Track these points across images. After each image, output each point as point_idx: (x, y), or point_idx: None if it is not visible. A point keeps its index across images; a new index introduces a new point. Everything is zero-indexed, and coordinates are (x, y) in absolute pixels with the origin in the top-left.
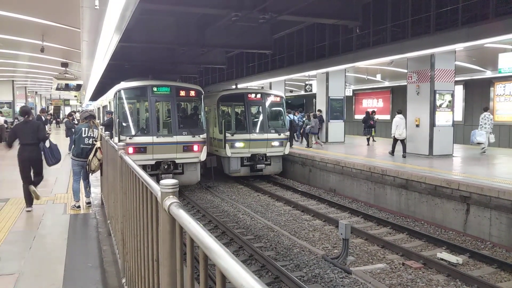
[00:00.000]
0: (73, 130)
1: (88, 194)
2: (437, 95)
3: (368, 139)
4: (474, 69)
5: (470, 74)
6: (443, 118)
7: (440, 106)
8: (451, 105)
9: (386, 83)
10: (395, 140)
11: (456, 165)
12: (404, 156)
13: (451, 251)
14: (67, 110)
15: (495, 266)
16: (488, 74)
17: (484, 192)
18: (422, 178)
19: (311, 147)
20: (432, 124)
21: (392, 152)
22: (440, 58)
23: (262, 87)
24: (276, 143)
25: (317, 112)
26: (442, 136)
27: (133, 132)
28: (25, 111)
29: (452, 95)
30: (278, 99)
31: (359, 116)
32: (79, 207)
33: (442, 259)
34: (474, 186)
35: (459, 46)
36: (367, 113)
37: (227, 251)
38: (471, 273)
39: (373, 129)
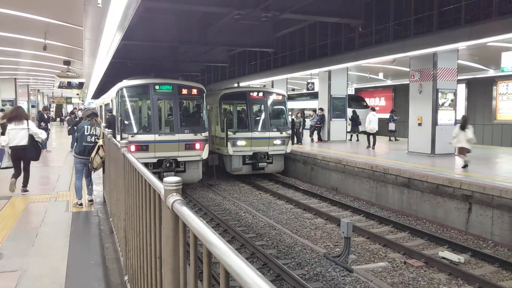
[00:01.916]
0: (75, 128)
1: (90, 191)
2: (439, 94)
3: (357, 136)
4: (476, 68)
5: (473, 73)
6: (446, 117)
7: (443, 105)
8: (453, 104)
9: (389, 82)
10: (368, 134)
11: (458, 164)
12: (373, 149)
13: (453, 250)
14: (69, 108)
15: (497, 265)
16: (491, 73)
17: (486, 191)
18: (424, 176)
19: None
20: (435, 123)
21: (369, 146)
22: (443, 57)
23: (264, 86)
24: (278, 142)
25: (318, 111)
26: (445, 135)
27: (135, 130)
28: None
29: (455, 94)
30: (280, 97)
31: None
32: (81, 204)
33: (444, 258)
34: (476, 185)
35: (461, 45)
36: (354, 111)
37: (231, 248)
38: (473, 272)
39: (359, 127)
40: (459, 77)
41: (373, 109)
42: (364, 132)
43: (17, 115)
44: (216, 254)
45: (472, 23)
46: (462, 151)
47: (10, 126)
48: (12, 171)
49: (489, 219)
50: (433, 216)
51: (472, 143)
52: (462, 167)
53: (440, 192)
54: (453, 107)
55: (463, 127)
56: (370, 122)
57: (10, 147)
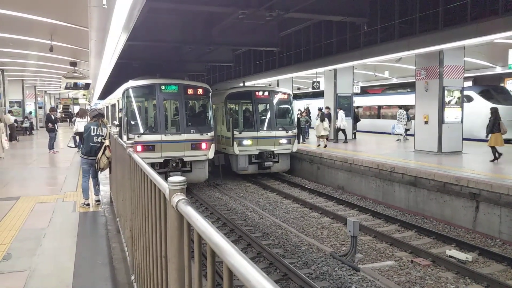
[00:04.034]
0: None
1: (97, 192)
2: (446, 92)
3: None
4: (484, 65)
5: (480, 70)
6: (452, 114)
7: (449, 102)
8: (460, 102)
9: (395, 80)
10: (342, 131)
11: (465, 162)
12: (345, 142)
13: (460, 249)
14: (76, 109)
15: (505, 264)
16: (498, 70)
17: (493, 189)
18: (430, 175)
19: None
20: (441, 120)
21: (345, 140)
22: (449, 54)
23: (270, 85)
24: (284, 141)
25: (325, 109)
26: (451, 133)
27: (141, 130)
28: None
29: (461, 92)
30: (285, 96)
31: None
32: (88, 205)
33: (451, 257)
34: (483, 183)
35: (468, 42)
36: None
37: (235, 247)
38: (480, 271)
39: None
40: (466, 75)
41: (340, 108)
42: (338, 129)
43: (83, 113)
44: (220, 253)
45: (478, 20)
46: (322, 137)
47: (78, 119)
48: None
49: (497, 217)
50: (440, 215)
51: (328, 131)
52: (317, 145)
53: (447, 190)
54: (459, 104)
55: (322, 120)
56: (342, 119)
57: (78, 133)
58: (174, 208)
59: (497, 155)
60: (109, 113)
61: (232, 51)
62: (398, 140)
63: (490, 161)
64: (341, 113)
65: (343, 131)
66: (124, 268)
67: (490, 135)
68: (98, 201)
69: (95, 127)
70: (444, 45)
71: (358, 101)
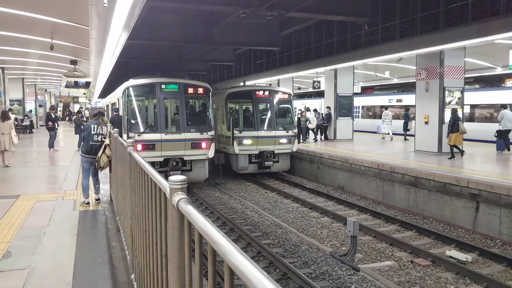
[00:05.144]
0: (82, 127)
1: (97, 190)
2: (446, 92)
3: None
4: (484, 65)
5: (481, 71)
6: None
7: (450, 103)
8: (460, 102)
9: (395, 80)
10: (311, 129)
11: (466, 163)
12: (322, 140)
13: (460, 249)
14: (76, 107)
15: (505, 264)
16: (499, 70)
17: (494, 190)
18: (431, 175)
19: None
20: (441, 121)
21: (316, 139)
22: (450, 55)
23: (270, 84)
24: (284, 140)
25: (325, 109)
26: None
27: (141, 129)
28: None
29: (462, 92)
30: (286, 96)
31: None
32: (88, 203)
33: (451, 257)
34: (483, 184)
35: (469, 43)
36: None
37: (236, 246)
38: (480, 271)
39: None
40: (467, 75)
41: (308, 109)
42: (312, 129)
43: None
44: (221, 253)
45: (479, 20)
46: None
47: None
48: None
49: (497, 218)
50: (440, 215)
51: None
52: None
53: (447, 190)
54: (460, 105)
55: None
56: (312, 121)
57: None
58: (174, 207)
59: (454, 153)
60: (109, 112)
61: (233, 50)
62: (382, 138)
63: (449, 158)
64: (309, 114)
65: (312, 130)
66: (124, 267)
67: (450, 134)
68: (98, 199)
69: (96, 126)
70: (445, 46)
71: (406, 99)
